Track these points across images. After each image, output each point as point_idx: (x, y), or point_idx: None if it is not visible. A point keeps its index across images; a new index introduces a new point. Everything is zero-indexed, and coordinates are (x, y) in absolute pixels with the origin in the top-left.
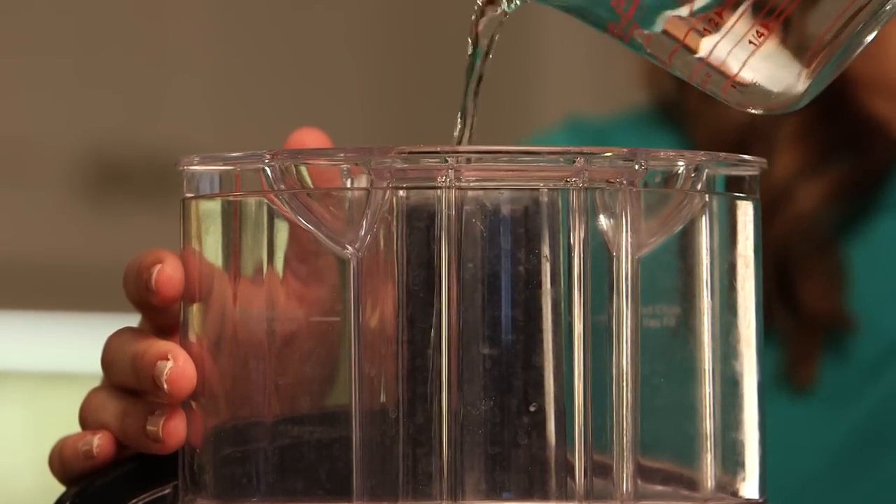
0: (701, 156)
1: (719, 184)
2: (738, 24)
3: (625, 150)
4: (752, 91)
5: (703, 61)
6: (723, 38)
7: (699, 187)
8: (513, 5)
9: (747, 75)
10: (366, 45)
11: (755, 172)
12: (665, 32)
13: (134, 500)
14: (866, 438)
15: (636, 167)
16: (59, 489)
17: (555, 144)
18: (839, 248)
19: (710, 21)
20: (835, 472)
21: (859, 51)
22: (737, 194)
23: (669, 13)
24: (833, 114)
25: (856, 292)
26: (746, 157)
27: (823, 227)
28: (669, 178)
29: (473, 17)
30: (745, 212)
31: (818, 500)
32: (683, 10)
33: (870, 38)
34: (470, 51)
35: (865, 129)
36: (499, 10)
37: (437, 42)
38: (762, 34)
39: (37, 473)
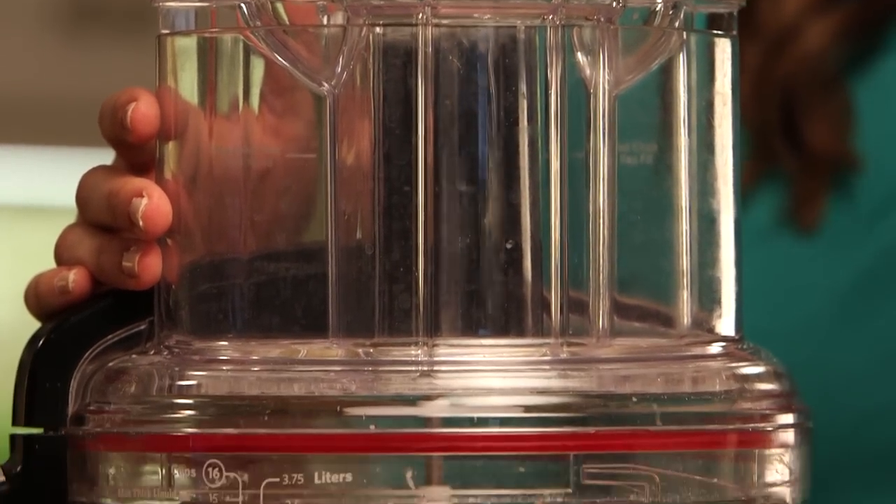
0: None
1: (698, 21)
2: None
3: None
4: None
5: None
6: None
7: (677, 24)
8: None
9: None
10: None
11: (733, 9)
12: None
13: (109, 336)
14: (872, 280)
15: (614, 4)
16: (35, 325)
17: None
18: (846, 87)
19: None
20: (839, 313)
21: None
22: (715, 31)
23: None
24: None
25: (862, 133)
26: None
27: (830, 65)
28: (647, 15)
29: None
30: (724, 49)
31: (822, 339)
32: None
33: None
34: None
35: None
36: None
37: None
38: None
39: (13, 307)
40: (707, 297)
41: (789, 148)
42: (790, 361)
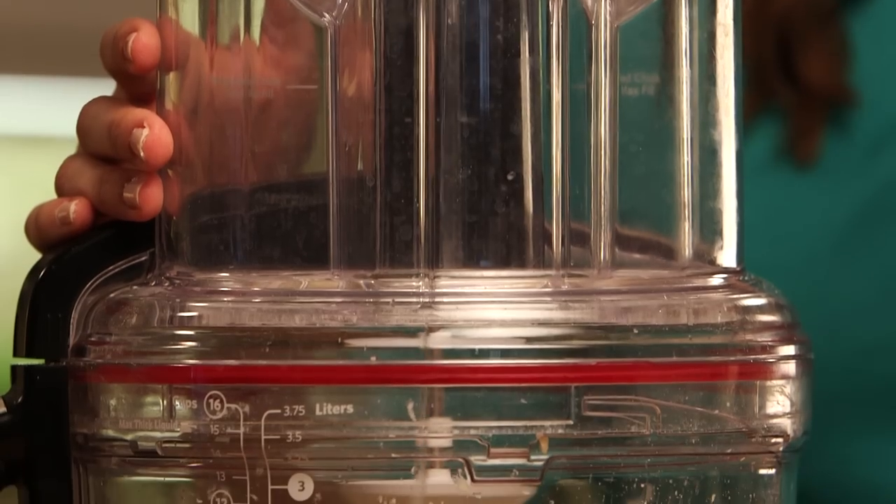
0: None
1: None
2: None
3: None
4: None
5: None
6: None
7: None
8: None
9: None
10: None
11: None
12: None
13: (110, 267)
14: (869, 214)
15: None
16: (36, 255)
17: None
18: (842, 22)
19: None
20: (837, 247)
21: None
22: None
23: None
24: None
25: (859, 67)
26: None
27: (827, 0)
28: None
29: None
30: None
31: (820, 274)
32: None
33: None
34: None
35: None
36: None
37: None
38: None
39: (13, 238)
40: (708, 228)
41: (786, 83)
42: (789, 295)
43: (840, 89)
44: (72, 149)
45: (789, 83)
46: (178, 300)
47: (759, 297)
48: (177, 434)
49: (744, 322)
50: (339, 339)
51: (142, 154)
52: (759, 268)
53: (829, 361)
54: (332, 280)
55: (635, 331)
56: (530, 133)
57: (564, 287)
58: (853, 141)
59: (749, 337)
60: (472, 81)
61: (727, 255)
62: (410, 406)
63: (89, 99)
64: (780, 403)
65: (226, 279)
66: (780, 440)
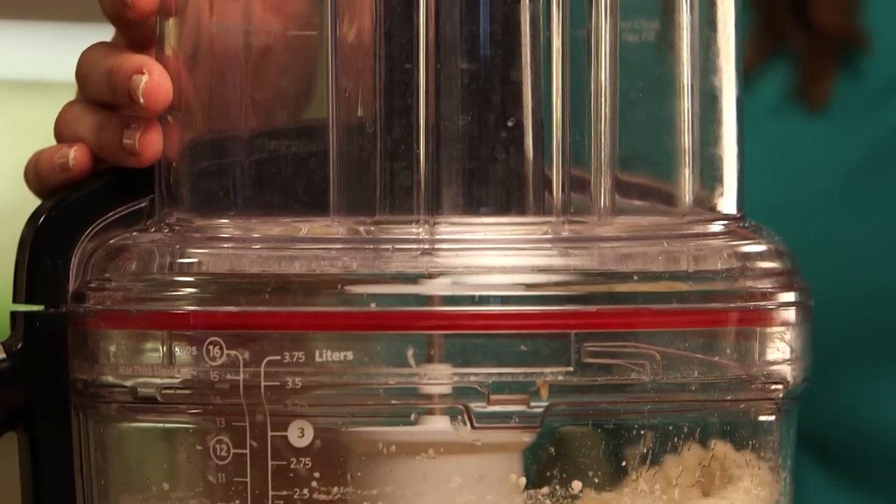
0: None
1: None
2: None
3: None
4: None
5: None
6: None
7: None
8: None
9: None
10: None
11: None
12: None
13: (110, 213)
14: (879, 157)
15: None
16: (36, 201)
17: None
18: None
19: None
20: (847, 191)
21: None
22: None
23: None
24: None
25: (870, 10)
26: None
27: None
28: None
29: None
30: None
31: (830, 217)
32: None
33: None
34: None
35: None
36: None
37: None
38: None
39: (13, 184)
40: (709, 175)
41: (797, 26)
42: (798, 238)
43: (852, 33)
44: (71, 94)
45: (801, 26)
46: (177, 246)
47: (759, 243)
48: (176, 380)
49: (744, 269)
50: (339, 286)
51: (141, 100)
52: (768, 211)
53: (837, 305)
54: (331, 226)
55: (635, 277)
56: (530, 79)
57: (564, 234)
58: (864, 85)
59: (749, 283)
60: (472, 27)
61: (727, 201)
62: (410, 353)
63: (88, 44)
64: (780, 350)
65: (226, 225)
66: (779, 387)
